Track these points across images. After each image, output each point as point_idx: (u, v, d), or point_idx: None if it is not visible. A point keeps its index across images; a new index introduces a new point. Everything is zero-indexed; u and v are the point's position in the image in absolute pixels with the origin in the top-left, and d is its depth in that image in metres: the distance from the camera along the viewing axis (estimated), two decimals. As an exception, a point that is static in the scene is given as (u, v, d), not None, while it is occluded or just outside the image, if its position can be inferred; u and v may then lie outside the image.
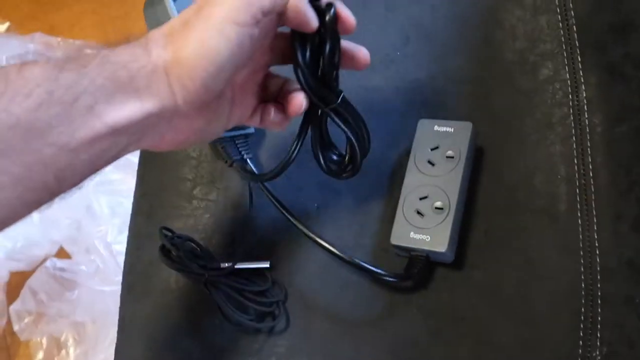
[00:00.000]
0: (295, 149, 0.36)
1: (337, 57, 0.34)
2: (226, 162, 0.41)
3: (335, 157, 0.39)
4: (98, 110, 0.26)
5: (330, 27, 0.32)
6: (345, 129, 0.37)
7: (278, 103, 0.36)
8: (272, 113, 0.35)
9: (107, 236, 0.71)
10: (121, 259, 0.75)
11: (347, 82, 0.45)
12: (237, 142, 0.41)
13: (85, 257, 0.72)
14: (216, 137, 0.35)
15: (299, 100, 0.34)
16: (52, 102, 0.25)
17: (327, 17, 0.32)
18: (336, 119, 0.36)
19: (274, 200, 0.41)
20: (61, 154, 0.26)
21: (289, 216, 0.41)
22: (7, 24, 1.02)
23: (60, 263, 0.72)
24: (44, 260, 0.73)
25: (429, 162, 0.40)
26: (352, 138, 0.38)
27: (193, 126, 0.31)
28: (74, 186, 0.28)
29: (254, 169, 0.42)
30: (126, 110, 0.27)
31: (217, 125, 0.33)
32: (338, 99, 0.35)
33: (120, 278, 0.75)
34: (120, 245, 0.73)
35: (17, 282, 0.76)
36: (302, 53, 0.32)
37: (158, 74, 0.28)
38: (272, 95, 0.36)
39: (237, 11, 0.29)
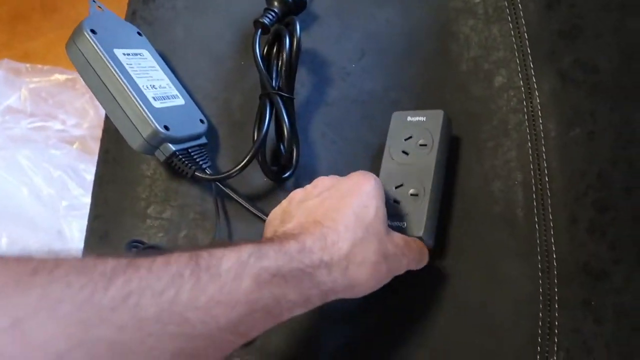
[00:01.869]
0: (257, 139, 0.40)
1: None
2: (185, 174, 0.41)
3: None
4: (281, 317, 0.28)
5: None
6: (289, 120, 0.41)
7: None
8: None
9: (77, 261, 0.70)
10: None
11: (304, 96, 0.46)
12: (192, 152, 0.41)
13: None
14: None
15: None
16: (255, 311, 0.27)
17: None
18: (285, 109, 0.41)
19: (241, 200, 0.41)
20: (232, 347, 0.27)
21: (258, 213, 0.41)
22: (-22, 53, 1.02)
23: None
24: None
25: (404, 151, 0.40)
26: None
27: None
28: None
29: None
30: (298, 313, 0.29)
31: None
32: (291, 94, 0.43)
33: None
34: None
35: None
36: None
37: (333, 293, 0.30)
38: None
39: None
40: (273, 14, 0.44)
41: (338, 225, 0.31)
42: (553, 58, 0.42)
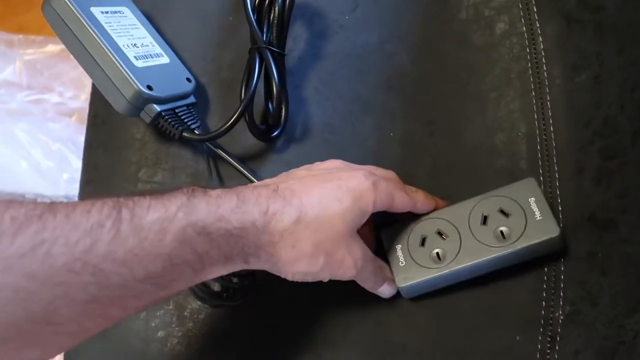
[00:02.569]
0: (246, 95, 0.38)
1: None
2: (173, 135, 0.39)
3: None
4: (203, 271, 0.28)
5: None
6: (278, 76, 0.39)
7: None
8: None
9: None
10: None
11: (295, 51, 0.44)
12: (179, 112, 0.40)
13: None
14: None
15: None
16: (175, 265, 0.26)
17: None
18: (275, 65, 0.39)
19: (231, 160, 0.40)
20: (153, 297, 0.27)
21: (247, 173, 0.39)
22: (-28, 27, 1.00)
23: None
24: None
25: (484, 216, 0.34)
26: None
27: None
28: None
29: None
30: (220, 272, 0.29)
31: None
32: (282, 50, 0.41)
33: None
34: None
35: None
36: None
37: (255, 259, 0.29)
38: None
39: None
40: None
41: (293, 199, 0.29)
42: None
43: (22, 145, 0.72)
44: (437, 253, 0.34)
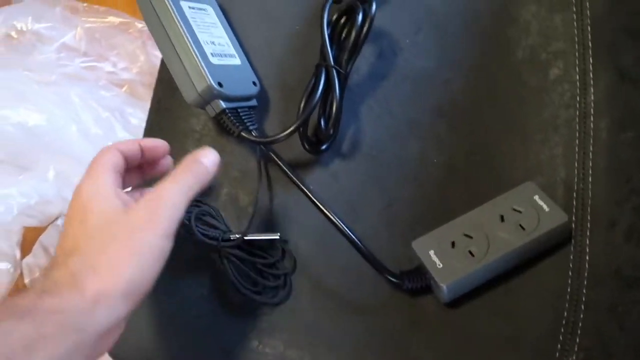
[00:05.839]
0: (306, 109, 0.40)
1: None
2: (232, 132, 0.42)
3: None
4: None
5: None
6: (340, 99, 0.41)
7: None
8: None
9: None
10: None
11: (355, 67, 0.45)
12: (241, 113, 0.42)
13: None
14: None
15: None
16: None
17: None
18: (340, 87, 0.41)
19: (283, 165, 0.42)
20: None
21: (299, 183, 0.41)
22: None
23: (71, 222, 0.74)
24: (57, 217, 0.76)
25: (501, 215, 0.38)
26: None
27: None
28: None
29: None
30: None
31: None
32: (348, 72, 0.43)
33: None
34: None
35: (31, 237, 0.79)
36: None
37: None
38: None
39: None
40: None
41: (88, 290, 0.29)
42: (614, 54, 0.41)
43: (75, 110, 0.75)
44: (470, 251, 0.37)
